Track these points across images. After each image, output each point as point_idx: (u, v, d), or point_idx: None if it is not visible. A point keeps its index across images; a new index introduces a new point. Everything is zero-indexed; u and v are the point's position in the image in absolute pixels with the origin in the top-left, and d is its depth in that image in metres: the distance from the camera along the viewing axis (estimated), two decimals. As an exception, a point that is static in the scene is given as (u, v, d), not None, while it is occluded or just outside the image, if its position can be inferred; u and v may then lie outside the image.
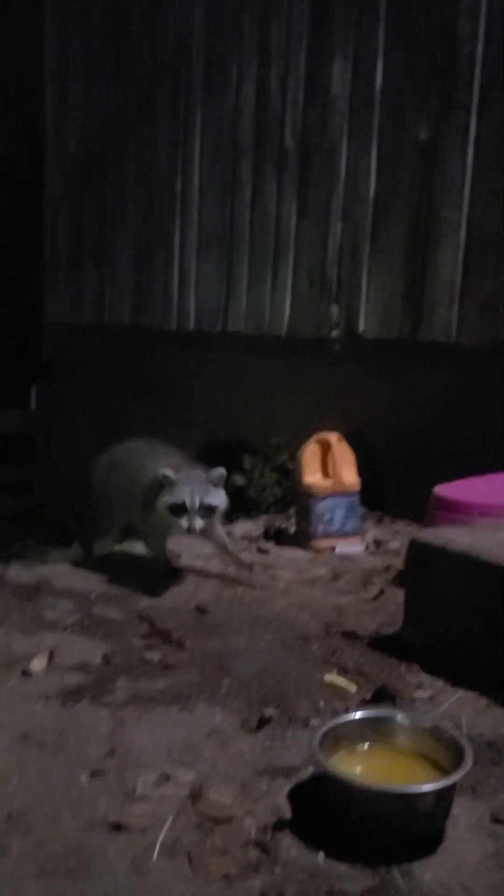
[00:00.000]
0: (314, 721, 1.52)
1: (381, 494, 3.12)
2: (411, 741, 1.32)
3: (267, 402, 3.85)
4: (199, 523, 2.14)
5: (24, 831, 1.21)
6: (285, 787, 1.32)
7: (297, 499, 2.87)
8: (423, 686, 1.67)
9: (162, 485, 2.18)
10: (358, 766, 1.29)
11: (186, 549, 2.61)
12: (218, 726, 1.52)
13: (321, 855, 1.15)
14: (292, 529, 2.90)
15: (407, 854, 1.14)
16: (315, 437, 2.90)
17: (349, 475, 2.80)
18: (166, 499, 2.17)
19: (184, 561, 2.56)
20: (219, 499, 2.21)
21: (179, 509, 2.14)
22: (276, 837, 1.19)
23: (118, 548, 2.89)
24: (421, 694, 1.63)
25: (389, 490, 3.16)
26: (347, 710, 1.51)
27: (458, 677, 1.67)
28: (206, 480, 2.20)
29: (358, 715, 1.37)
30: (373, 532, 2.88)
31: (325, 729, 1.30)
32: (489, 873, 1.12)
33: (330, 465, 2.81)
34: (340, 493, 2.76)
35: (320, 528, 2.73)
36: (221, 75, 4.03)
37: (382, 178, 3.28)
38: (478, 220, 2.92)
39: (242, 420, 3.99)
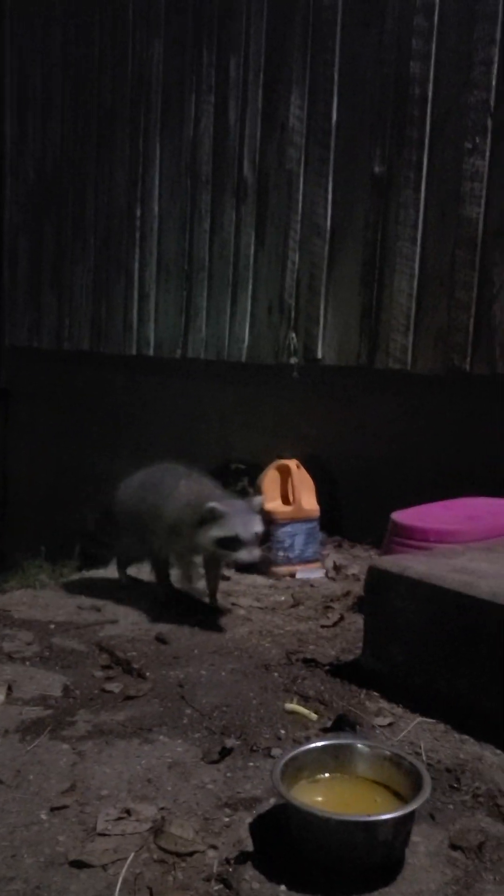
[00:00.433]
0: (276, 750, 1.53)
1: (339, 520, 3.16)
2: (371, 769, 1.34)
3: (227, 428, 3.88)
4: (256, 552, 2.12)
5: (-18, 872, 1.18)
6: (247, 818, 1.32)
7: (258, 525, 2.88)
8: (382, 713, 1.68)
9: (205, 518, 2.12)
10: (319, 796, 1.30)
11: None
12: (179, 758, 1.51)
13: (283, 888, 1.15)
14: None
15: (367, 884, 1.15)
16: (275, 463, 2.93)
17: (309, 501, 2.83)
18: (215, 532, 2.11)
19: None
20: (261, 526, 2.18)
21: (232, 542, 2.10)
22: (239, 871, 1.19)
23: (79, 575, 2.87)
24: (380, 721, 1.65)
25: (348, 515, 3.20)
26: (308, 739, 1.52)
27: (416, 704, 1.69)
28: (249, 509, 2.18)
29: (319, 744, 1.38)
30: (332, 557, 2.91)
31: (286, 759, 1.31)
32: (448, 900, 1.13)
33: (290, 492, 2.84)
34: (300, 519, 2.79)
35: (280, 555, 2.75)
36: (180, 108, 4.10)
37: (338, 211, 3.36)
38: (431, 253, 3.01)
39: (202, 446, 4.01)
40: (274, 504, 2.82)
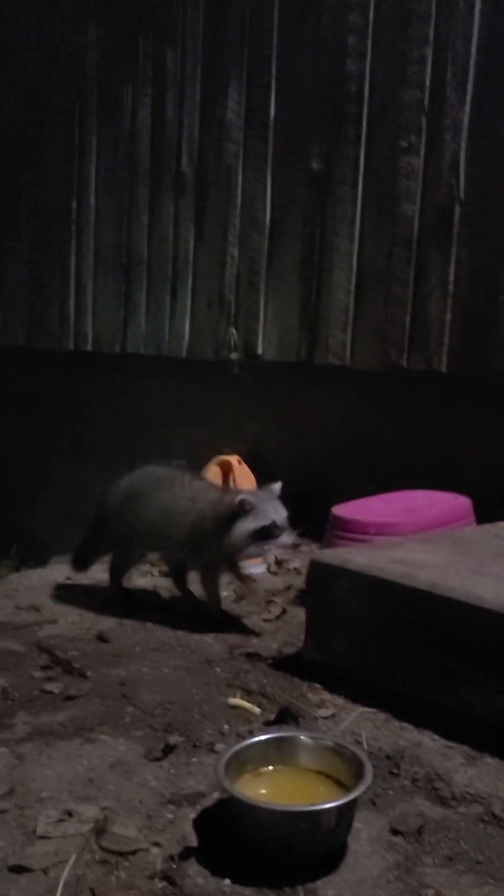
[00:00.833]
0: (219, 745, 1.53)
1: (281, 514, 3.17)
2: (314, 760, 1.35)
3: (167, 424, 3.85)
4: (293, 536, 2.08)
5: None
6: (191, 814, 1.32)
7: (199, 521, 2.87)
8: (324, 704, 1.70)
9: (235, 513, 2.06)
10: (263, 789, 1.30)
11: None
12: (122, 757, 1.50)
13: (227, 882, 1.15)
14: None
15: (311, 872, 1.16)
16: (216, 459, 2.92)
17: (250, 497, 2.83)
18: (249, 525, 2.05)
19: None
20: (286, 510, 2.13)
21: (269, 530, 2.05)
22: (183, 867, 1.18)
23: (17, 574, 2.81)
24: (323, 712, 1.66)
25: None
26: (252, 733, 1.53)
27: (358, 694, 1.72)
28: (272, 496, 2.14)
29: (262, 737, 1.38)
30: (274, 552, 2.92)
31: (229, 753, 1.31)
32: (389, 885, 1.15)
33: (231, 488, 2.84)
34: (242, 514, 2.79)
35: (222, 550, 2.74)
36: (116, 99, 4.04)
37: (277, 206, 3.37)
38: (368, 249, 3.05)
39: (142, 442, 3.97)
40: (215, 499, 2.82)
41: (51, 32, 4.34)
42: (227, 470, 2.89)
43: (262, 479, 2.93)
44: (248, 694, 1.76)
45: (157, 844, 1.24)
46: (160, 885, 1.15)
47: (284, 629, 2.16)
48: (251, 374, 3.51)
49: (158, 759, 1.49)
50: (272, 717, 1.64)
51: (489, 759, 1.48)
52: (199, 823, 1.29)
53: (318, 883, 1.15)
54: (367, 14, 2.97)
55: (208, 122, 3.64)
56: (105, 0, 4.06)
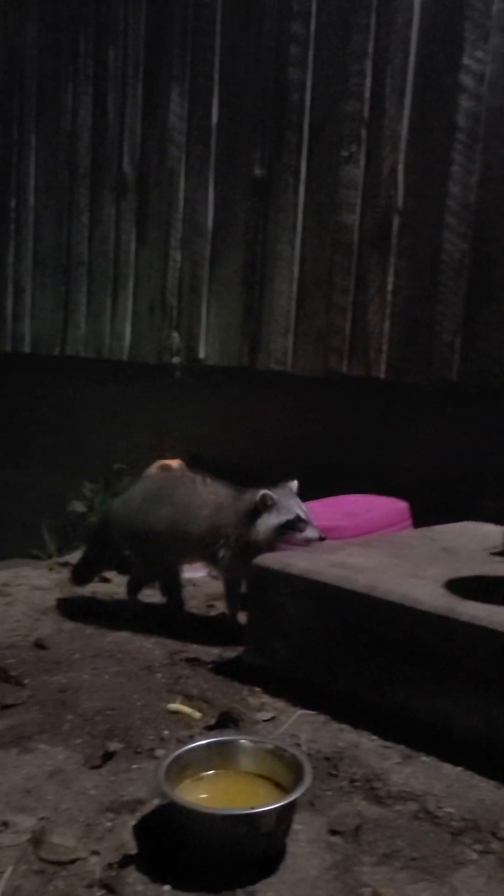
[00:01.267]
0: (159, 751, 1.52)
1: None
2: (254, 763, 1.36)
3: (108, 427, 3.81)
4: (317, 530, 2.06)
5: None
6: (131, 822, 1.31)
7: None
8: (265, 707, 1.72)
9: (257, 509, 2.05)
10: (203, 793, 1.31)
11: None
12: (60, 766, 1.48)
13: (167, 887, 1.15)
14: (135, 556, 2.88)
15: (251, 876, 1.17)
16: (157, 463, 2.91)
17: (191, 501, 2.83)
18: (273, 520, 2.05)
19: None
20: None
21: (292, 525, 2.04)
22: (122, 875, 1.18)
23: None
24: (263, 715, 1.68)
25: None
26: (192, 738, 1.53)
27: (298, 696, 1.73)
28: (291, 491, 2.11)
29: (202, 742, 1.38)
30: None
31: (170, 759, 1.31)
32: (328, 885, 1.17)
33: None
34: (183, 518, 2.78)
35: (163, 555, 2.73)
36: (56, 97, 3.99)
37: (220, 211, 3.38)
38: (310, 257, 3.09)
39: (82, 446, 3.93)
40: (156, 504, 2.80)
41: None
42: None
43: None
44: (188, 699, 1.75)
45: (95, 853, 1.23)
46: (99, 893, 1.14)
47: (226, 633, 2.17)
48: (194, 378, 3.50)
49: (98, 767, 1.47)
50: (213, 721, 1.64)
51: (424, 758, 1.51)
52: (138, 830, 1.29)
53: (258, 885, 1.16)
54: (308, 24, 3.01)
55: (151, 124, 3.62)
56: (46, -3, 4.01)
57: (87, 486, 3.57)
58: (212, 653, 2.02)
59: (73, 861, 1.20)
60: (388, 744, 1.56)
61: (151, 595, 2.36)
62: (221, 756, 1.37)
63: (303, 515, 2.07)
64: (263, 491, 2.06)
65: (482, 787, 1.42)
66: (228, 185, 3.34)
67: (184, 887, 1.15)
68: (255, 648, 1.89)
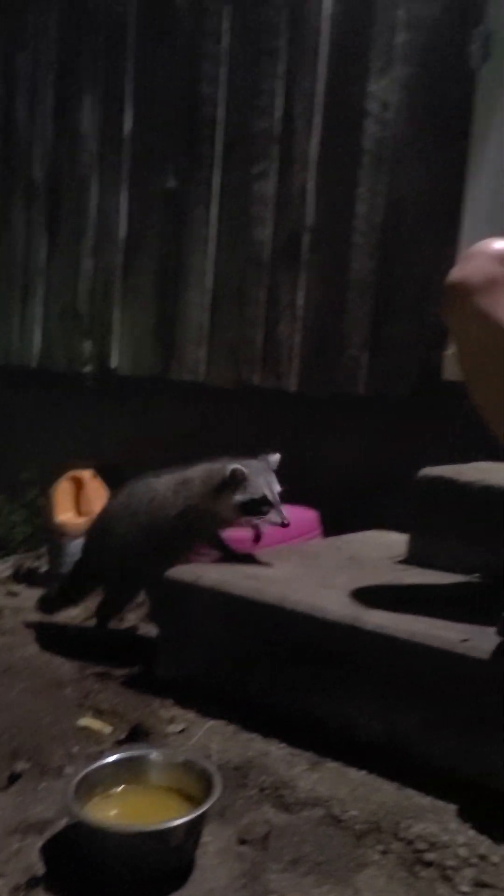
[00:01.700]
0: (68, 769, 1.51)
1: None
2: (165, 777, 1.37)
3: (16, 436, 3.73)
4: (283, 515, 1.95)
5: None
6: (38, 842, 1.29)
7: (49, 538, 2.81)
8: (175, 720, 1.72)
9: (225, 483, 1.94)
10: (113, 810, 1.31)
11: None
12: (-36, 789, 1.44)
13: (76, 907, 1.15)
14: (43, 569, 2.83)
15: (160, 891, 1.18)
16: (68, 473, 2.87)
17: (103, 512, 2.81)
18: (239, 497, 1.93)
19: None
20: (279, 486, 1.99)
21: (255, 506, 1.94)
22: (29, 897, 1.17)
23: None
24: (173, 728, 1.68)
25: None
26: (103, 753, 1.52)
27: (209, 708, 1.75)
28: (268, 468, 2.00)
29: (112, 758, 1.38)
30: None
31: (79, 776, 1.30)
32: (236, 894, 1.19)
33: (83, 503, 2.80)
34: (94, 530, 2.75)
35: (74, 567, 2.70)
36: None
37: (133, 221, 3.37)
38: (223, 269, 3.12)
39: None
40: (66, 516, 2.77)
41: None
42: (78, 484, 2.85)
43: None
44: (99, 713, 1.74)
45: (1, 876, 1.21)
46: (5, 918, 1.13)
47: (137, 646, 2.16)
48: (105, 387, 3.47)
49: (3, 789, 1.45)
50: (123, 736, 1.64)
51: (330, 763, 1.56)
52: (46, 851, 1.27)
53: (168, 899, 1.17)
54: (220, 42, 3.05)
55: (62, 130, 3.58)
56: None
57: (-8, 496, 3.48)
58: (123, 667, 2.01)
59: (-23, 886, 1.18)
60: (296, 751, 1.59)
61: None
62: (131, 771, 1.37)
63: (270, 497, 1.96)
64: (234, 465, 1.96)
65: (385, 790, 1.47)
66: (142, 195, 3.34)
67: (92, 906, 1.15)
68: (166, 661, 1.90)
